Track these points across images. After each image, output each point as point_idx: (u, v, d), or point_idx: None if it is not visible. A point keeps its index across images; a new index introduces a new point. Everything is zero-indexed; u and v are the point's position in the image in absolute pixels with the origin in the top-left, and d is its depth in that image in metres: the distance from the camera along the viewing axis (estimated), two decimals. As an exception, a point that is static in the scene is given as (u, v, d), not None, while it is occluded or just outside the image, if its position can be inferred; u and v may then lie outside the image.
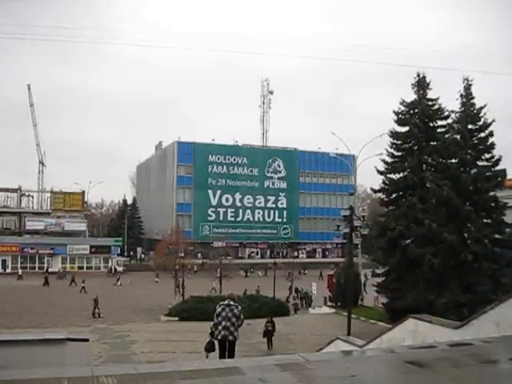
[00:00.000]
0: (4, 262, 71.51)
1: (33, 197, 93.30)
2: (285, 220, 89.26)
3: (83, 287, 50.57)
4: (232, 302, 11.62)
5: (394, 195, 37.40)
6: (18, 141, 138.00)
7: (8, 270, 69.96)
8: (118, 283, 58.57)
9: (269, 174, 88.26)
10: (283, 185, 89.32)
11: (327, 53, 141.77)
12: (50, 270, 70.22)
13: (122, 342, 26.77)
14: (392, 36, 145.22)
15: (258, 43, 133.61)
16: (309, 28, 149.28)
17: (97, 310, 37.87)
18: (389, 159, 37.05)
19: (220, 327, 11.17)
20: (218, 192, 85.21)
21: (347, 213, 33.38)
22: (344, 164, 67.92)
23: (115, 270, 71.27)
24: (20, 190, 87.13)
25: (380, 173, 37.11)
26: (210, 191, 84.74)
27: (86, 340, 10.32)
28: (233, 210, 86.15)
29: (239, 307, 11.61)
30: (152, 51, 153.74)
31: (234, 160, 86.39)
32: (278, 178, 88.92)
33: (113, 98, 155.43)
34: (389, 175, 36.99)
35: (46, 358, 8.54)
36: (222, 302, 11.71)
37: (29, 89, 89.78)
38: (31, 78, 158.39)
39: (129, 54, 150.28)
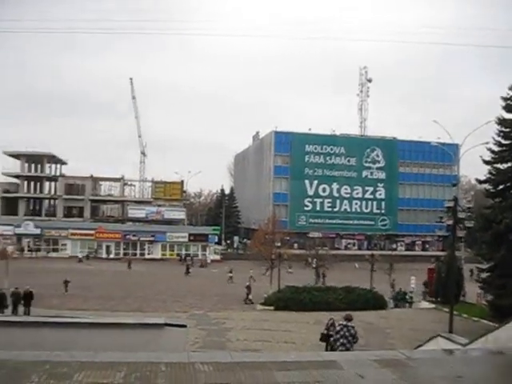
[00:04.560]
0: (108, 247, 75.32)
1: (135, 186, 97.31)
2: (383, 211, 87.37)
3: (231, 277, 51.16)
4: (349, 323, 13.66)
5: (500, 186, 35.29)
6: (121, 132, 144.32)
7: (111, 256, 73.62)
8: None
9: (367, 164, 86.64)
10: (382, 175, 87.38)
11: (428, 36, 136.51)
12: (150, 256, 73.38)
13: (218, 328, 27.12)
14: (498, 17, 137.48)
15: (355, 30, 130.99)
16: (407, 12, 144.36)
17: (250, 297, 39.18)
18: (496, 148, 35.03)
19: (338, 343, 13.37)
20: (315, 182, 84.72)
21: (451, 204, 32.00)
22: (446, 154, 65.38)
23: (185, 257, 71.96)
24: (123, 180, 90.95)
25: (486, 162, 35.21)
26: (306, 181, 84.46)
27: (184, 326, 10.46)
28: (330, 200, 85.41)
29: (355, 327, 13.72)
30: (249, 42, 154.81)
31: (332, 150, 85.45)
32: (377, 168, 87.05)
33: (210, 88, 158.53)
34: (495, 165, 35.00)
35: (145, 342, 8.73)
36: (341, 322, 13.96)
37: (131, 82, 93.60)
38: (134, 72, 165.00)
39: (224, 45, 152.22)
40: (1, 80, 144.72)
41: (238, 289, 43.87)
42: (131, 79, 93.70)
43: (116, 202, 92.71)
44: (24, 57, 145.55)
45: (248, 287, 40.11)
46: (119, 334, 9.05)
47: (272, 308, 35.48)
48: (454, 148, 59.18)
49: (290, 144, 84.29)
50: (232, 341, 23.84)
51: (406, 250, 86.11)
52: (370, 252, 57.25)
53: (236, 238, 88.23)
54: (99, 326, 9.67)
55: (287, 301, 35.31)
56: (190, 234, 78.41)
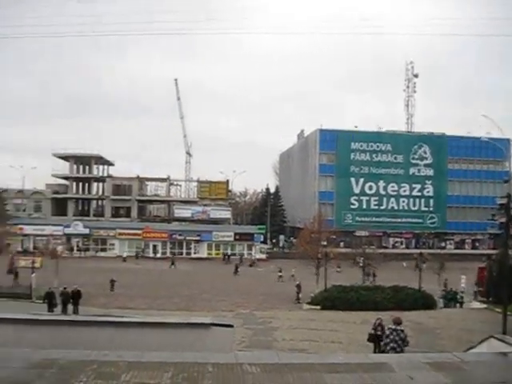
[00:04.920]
0: (155, 247, 76.54)
1: (181, 186, 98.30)
2: (431, 209, 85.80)
3: (280, 276, 51.49)
4: (398, 327, 13.71)
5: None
6: (167, 133, 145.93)
7: (158, 255, 74.65)
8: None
9: (414, 161, 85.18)
10: (430, 172, 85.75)
11: (476, 28, 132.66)
12: (196, 255, 74.14)
13: (265, 328, 27.04)
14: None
15: (399, 22, 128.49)
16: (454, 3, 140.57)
17: (300, 296, 39.14)
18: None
19: (388, 347, 13.39)
20: (361, 180, 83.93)
21: (504, 201, 31.05)
22: (497, 149, 63.75)
23: (228, 257, 72.72)
24: (169, 180, 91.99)
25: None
26: (352, 179, 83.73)
27: (231, 326, 10.42)
28: (376, 198, 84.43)
29: (404, 331, 13.78)
30: (284, 39, 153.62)
31: (378, 147, 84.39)
32: (425, 165, 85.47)
33: (252, 87, 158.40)
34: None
35: (191, 342, 8.72)
36: (390, 326, 14.08)
37: (176, 83, 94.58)
38: (178, 73, 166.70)
39: (261, 44, 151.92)
40: (47, 85, 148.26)
41: (285, 288, 43.79)
42: (176, 80, 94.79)
43: (162, 201, 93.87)
44: (66, 60, 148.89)
45: (298, 286, 39.99)
46: (166, 334, 9.09)
47: (318, 307, 35.23)
48: (506, 143, 57.63)
49: (335, 142, 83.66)
50: (278, 340, 23.74)
51: (456, 248, 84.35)
52: (418, 251, 56.18)
53: (282, 237, 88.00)
54: (146, 325, 9.75)
55: (334, 300, 34.99)
56: (235, 234, 78.76)
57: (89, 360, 6.06)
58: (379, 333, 18.50)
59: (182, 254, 75.89)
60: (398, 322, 13.91)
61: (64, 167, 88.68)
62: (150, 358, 6.18)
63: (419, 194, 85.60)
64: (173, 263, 62.79)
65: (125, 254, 70.84)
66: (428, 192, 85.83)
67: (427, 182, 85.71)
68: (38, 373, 5.67)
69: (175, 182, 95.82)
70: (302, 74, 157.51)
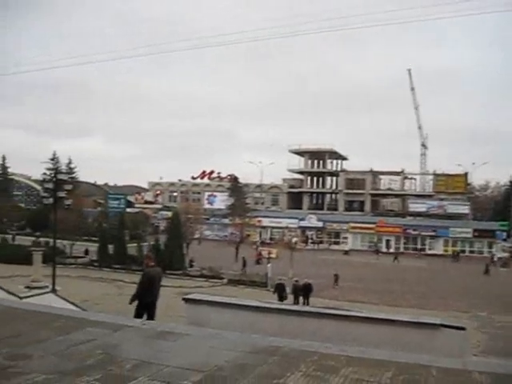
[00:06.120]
0: (387, 241, 76.01)
1: (415, 179, 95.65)
2: None
3: None
4: None
5: None
6: (400, 125, 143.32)
7: (391, 250, 73.65)
8: None
9: None
10: None
11: None
12: (431, 252, 71.60)
13: (504, 334, 24.98)
14: None
15: None
16: None
17: None
18: None
19: None
20: None
21: None
22: None
23: (458, 253, 69.02)
24: (403, 173, 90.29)
25: None
26: None
27: (463, 329, 9.76)
28: None
29: None
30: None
31: None
32: None
33: (488, 71, 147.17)
34: None
35: (417, 343, 8.36)
36: None
37: (409, 73, 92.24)
38: (413, 62, 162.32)
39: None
40: (283, 85, 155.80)
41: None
42: (409, 70, 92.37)
43: (396, 195, 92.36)
44: (297, 57, 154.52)
45: None
46: (392, 331, 8.85)
47: None
48: None
49: None
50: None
51: None
52: None
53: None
54: (372, 320, 9.60)
55: None
56: (474, 230, 74.31)
57: (311, 351, 6.13)
58: None
59: (415, 249, 74.16)
60: None
61: (299, 162, 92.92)
62: (372, 354, 6.03)
63: None
64: (396, 258, 62.27)
65: (347, 248, 71.87)
66: None
67: None
68: (262, 358, 5.91)
69: (409, 176, 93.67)
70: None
